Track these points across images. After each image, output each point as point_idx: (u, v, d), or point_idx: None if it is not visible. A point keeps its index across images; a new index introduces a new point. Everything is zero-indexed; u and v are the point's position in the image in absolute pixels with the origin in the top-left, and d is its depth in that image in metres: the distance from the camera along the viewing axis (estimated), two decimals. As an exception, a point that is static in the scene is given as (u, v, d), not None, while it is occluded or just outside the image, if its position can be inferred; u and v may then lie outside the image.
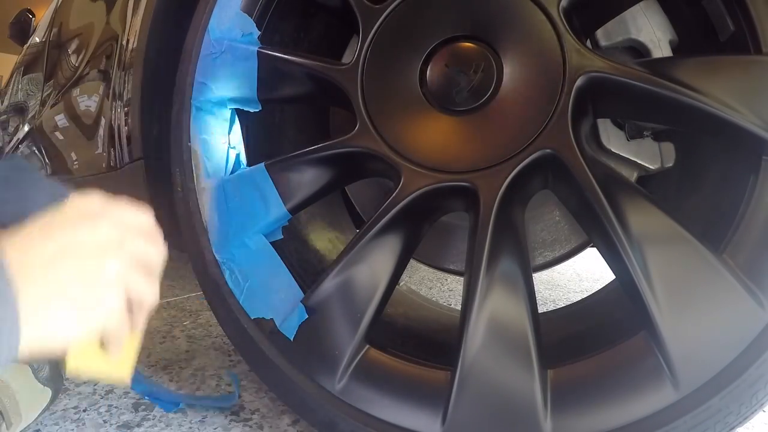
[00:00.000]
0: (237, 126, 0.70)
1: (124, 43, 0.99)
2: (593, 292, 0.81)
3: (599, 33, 0.65)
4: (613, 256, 0.53)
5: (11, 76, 2.67)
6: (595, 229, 0.56)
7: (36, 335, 0.38)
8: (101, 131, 1.16)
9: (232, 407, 0.78)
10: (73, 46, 1.54)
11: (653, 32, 0.64)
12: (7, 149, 2.51)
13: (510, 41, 0.57)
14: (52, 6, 2.01)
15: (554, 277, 2.02)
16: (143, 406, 0.79)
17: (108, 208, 0.45)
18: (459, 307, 0.59)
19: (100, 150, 1.18)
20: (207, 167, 0.69)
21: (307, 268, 0.74)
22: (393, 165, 0.61)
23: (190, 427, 0.73)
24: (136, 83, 0.87)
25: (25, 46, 2.49)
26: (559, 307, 0.91)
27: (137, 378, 0.61)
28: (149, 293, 0.47)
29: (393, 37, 0.62)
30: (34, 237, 0.40)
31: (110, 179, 1.13)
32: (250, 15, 0.68)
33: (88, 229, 0.42)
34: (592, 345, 0.56)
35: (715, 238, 0.51)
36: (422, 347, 0.72)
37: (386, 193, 0.61)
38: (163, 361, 0.97)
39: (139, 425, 0.74)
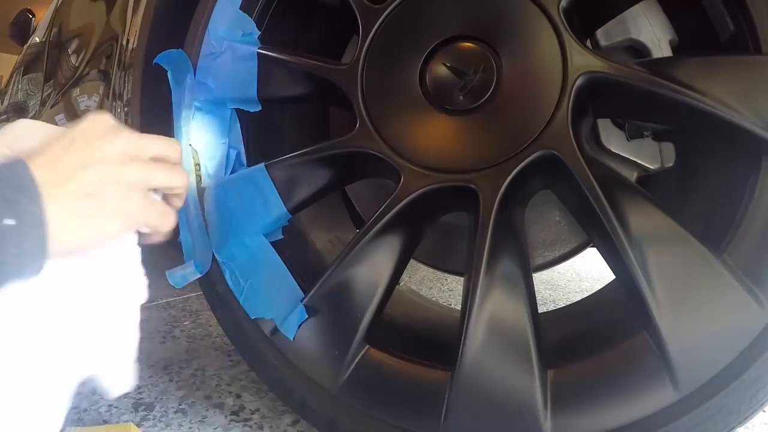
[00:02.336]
0: (237, 126, 0.70)
1: (124, 43, 0.99)
2: (593, 292, 0.81)
3: (599, 33, 0.65)
4: (613, 256, 0.53)
5: (11, 76, 2.67)
6: (595, 229, 0.56)
7: (64, 232, 0.41)
8: (101, 131, 1.16)
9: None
10: (73, 46, 1.54)
11: (653, 32, 0.64)
12: (7, 149, 2.50)
13: (510, 41, 0.57)
14: (52, 6, 2.01)
15: (554, 277, 2.02)
16: (143, 406, 0.79)
17: (119, 128, 0.47)
18: (459, 307, 0.59)
19: (100, 150, 1.17)
20: (207, 167, 0.69)
21: (307, 268, 0.74)
22: (393, 165, 0.61)
23: (190, 427, 0.73)
24: (136, 83, 0.87)
25: (25, 46, 2.49)
26: (559, 307, 0.91)
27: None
28: (177, 180, 0.51)
29: (393, 37, 0.62)
30: (56, 153, 0.43)
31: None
32: (250, 15, 0.68)
33: (107, 143, 0.45)
34: (592, 345, 0.56)
35: (715, 238, 0.51)
36: (422, 347, 0.72)
37: (386, 193, 0.61)
38: (163, 361, 0.97)
39: (139, 425, 0.74)
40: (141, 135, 0.49)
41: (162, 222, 0.49)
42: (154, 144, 0.49)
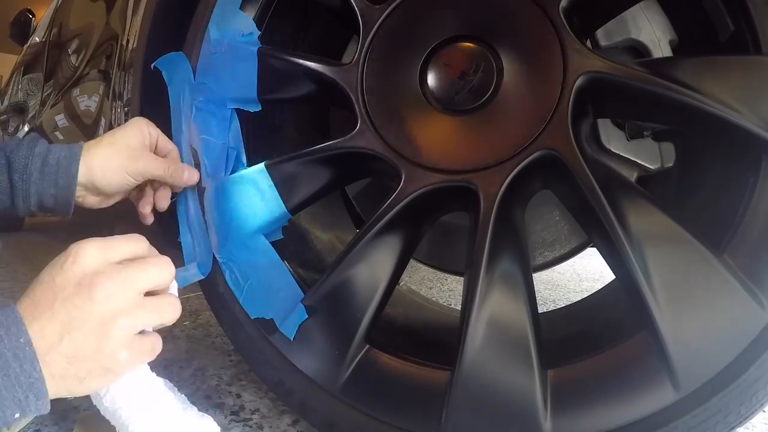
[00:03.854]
0: (237, 126, 0.70)
1: (124, 43, 0.99)
2: (593, 292, 0.81)
3: (599, 33, 0.65)
4: (613, 256, 0.53)
5: (11, 76, 2.67)
6: (595, 229, 0.56)
7: (55, 390, 0.42)
8: (101, 131, 1.16)
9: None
10: (73, 46, 1.54)
11: (653, 32, 0.64)
12: (7, 149, 2.50)
13: (510, 41, 0.57)
14: (52, 6, 2.01)
15: (554, 277, 2.02)
16: (143, 406, 0.79)
17: (98, 261, 0.45)
18: (459, 307, 0.59)
19: (100, 150, 1.17)
20: (207, 167, 0.69)
21: (307, 268, 0.74)
22: (393, 165, 0.61)
23: (190, 427, 0.73)
24: (136, 83, 0.87)
25: (25, 46, 2.49)
26: (559, 307, 0.91)
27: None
28: (168, 316, 0.49)
29: (393, 37, 0.62)
30: (38, 315, 0.42)
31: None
32: (250, 15, 0.68)
33: (86, 297, 0.43)
34: (592, 345, 0.56)
35: (715, 238, 0.51)
36: (422, 347, 0.72)
37: (386, 193, 0.61)
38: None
39: (139, 425, 0.73)
40: (120, 259, 0.47)
41: (151, 356, 0.49)
42: (139, 280, 0.46)
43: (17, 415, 0.39)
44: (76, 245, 0.45)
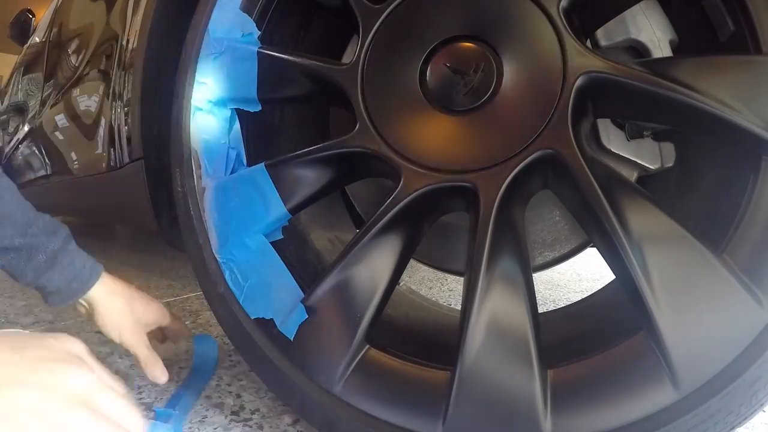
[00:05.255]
0: (237, 126, 0.70)
1: (124, 43, 1.00)
2: (593, 292, 0.81)
3: (599, 33, 0.65)
4: (613, 256, 0.53)
5: (11, 76, 2.67)
6: (595, 229, 0.56)
7: None
8: (101, 131, 1.16)
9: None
10: (73, 46, 1.54)
11: (653, 32, 0.64)
12: (7, 149, 2.51)
13: (510, 41, 0.57)
14: (52, 6, 2.01)
15: (554, 277, 2.02)
16: (143, 406, 0.79)
17: (84, 389, 0.46)
18: (459, 307, 0.59)
19: (100, 150, 1.18)
20: (207, 167, 0.69)
21: (307, 268, 0.74)
22: (393, 165, 0.61)
23: (190, 427, 0.73)
24: (136, 83, 0.87)
25: (25, 46, 2.49)
26: (559, 307, 0.91)
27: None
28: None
29: (393, 37, 0.62)
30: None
31: (110, 179, 1.13)
32: (250, 15, 0.68)
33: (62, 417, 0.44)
34: (592, 345, 0.56)
35: (714, 238, 0.51)
36: (422, 347, 0.72)
37: (386, 193, 0.61)
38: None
39: (139, 425, 0.73)
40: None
41: None
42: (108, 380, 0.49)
43: None
44: (77, 364, 0.47)
